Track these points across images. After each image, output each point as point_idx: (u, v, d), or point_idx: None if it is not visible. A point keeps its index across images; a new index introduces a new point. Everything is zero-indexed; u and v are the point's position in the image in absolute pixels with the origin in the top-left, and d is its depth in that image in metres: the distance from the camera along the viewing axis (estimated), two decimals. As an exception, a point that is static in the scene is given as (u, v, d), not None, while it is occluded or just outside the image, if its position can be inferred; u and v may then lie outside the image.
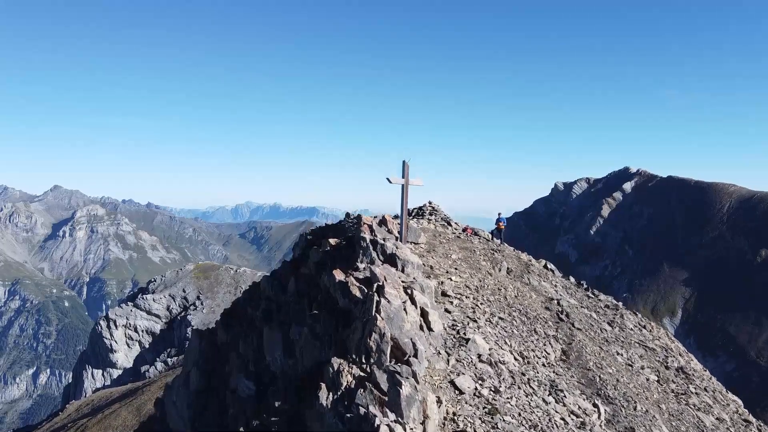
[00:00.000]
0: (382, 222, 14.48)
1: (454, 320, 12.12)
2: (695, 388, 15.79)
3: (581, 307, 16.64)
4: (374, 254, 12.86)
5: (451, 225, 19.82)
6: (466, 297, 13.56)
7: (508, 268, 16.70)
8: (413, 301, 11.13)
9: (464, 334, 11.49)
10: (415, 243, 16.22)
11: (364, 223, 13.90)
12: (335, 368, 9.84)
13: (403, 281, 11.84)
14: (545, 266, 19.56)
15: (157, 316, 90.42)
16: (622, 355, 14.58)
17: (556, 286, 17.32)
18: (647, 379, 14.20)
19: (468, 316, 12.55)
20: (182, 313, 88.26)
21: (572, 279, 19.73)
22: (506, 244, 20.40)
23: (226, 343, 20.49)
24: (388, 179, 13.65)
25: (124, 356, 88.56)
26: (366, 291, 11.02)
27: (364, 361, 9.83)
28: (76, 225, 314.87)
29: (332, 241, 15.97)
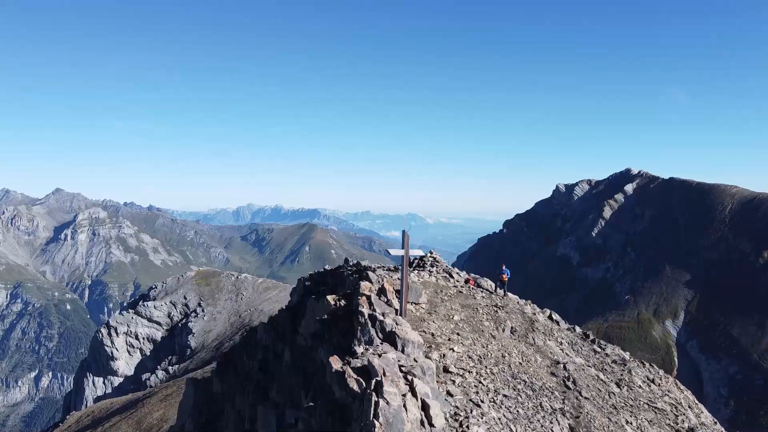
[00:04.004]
0: (381, 291, 13.93)
1: (457, 407, 11.59)
2: (707, 452, 15.28)
3: (588, 365, 16.11)
4: (372, 331, 12.34)
5: (453, 277, 19.33)
6: (469, 372, 13.03)
7: (512, 328, 16.18)
8: (414, 393, 10.59)
9: (467, 426, 10.96)
10: (416, 303, 15.72)
11: (363, 294, 13.34)
12: (331, 480, 9.29)
13: (402, 366, 11.31)
14: (550, 317, 19.04)
15: (158, 323, 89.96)
16: (631, 423, 14.06)
17: (561, 343, 16.79)
18: (658, 452, 13.66)
19: (471, 399, 12.02)
20: (183, 320, 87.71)
21: (578, 329, 19.21)
22: (510, 295, 19.91)
23: (221, 393, 20.02)
24: (387, 251, 13.10)
25: (125, 364, 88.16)
26: (364, 386, 10.49)
27: (361, 473, 9.30)
28: (78, 228, 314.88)
29: (330, 299, 15.37)
